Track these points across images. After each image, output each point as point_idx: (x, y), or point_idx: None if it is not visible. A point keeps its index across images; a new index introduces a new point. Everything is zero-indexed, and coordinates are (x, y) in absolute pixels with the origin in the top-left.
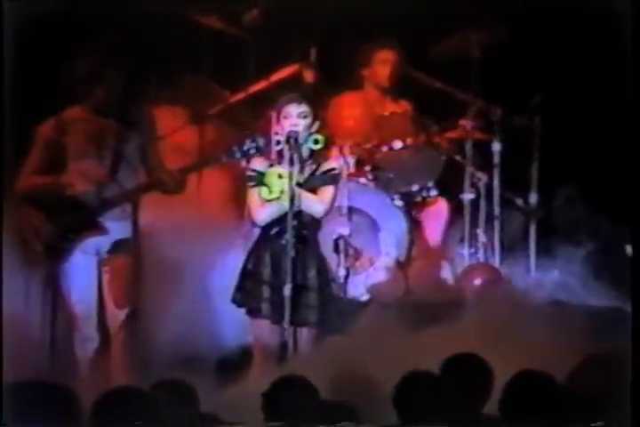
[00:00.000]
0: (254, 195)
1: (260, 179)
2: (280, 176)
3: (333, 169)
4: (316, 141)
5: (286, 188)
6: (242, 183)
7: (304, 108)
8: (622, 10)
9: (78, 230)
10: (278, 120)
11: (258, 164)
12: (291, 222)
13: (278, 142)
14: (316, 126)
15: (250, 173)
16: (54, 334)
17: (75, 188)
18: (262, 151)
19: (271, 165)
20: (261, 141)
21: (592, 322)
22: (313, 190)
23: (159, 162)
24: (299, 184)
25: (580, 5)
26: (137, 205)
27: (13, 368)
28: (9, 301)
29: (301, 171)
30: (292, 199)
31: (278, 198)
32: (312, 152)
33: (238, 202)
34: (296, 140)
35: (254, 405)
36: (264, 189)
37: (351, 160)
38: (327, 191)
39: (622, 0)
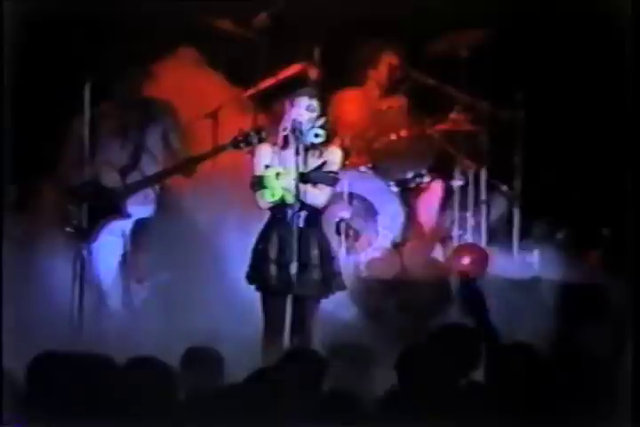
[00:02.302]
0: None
1: (260, 183)
2: (278, 174)
3: (335, 173)
4: (317, 135)
5: (288, 185)
6: None
7: (313, 102)
8: (621, 10)
9: (105, 214)
10: (289, 108)
11: (255, 167)
12: (296, 206)
13: (285, 129)
14: (321, 121)
15: (251, 180)
16: (83, 308)
17: (102, 176)
18: (265, 141)
19: (267, 167)
20: (264, 133)
21: (570, 297)
22: (313, 183)
23: (178, 149)
24: (301, 174)
25: (575, 6)
26: (160, 189)
27: (45, 339)
28: (43, 278)
29: (304, 161)
30: (297, 186)
31: (281, 199)
32: (313, 144)
33: None
34: (300, 131)
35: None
36: (267, 192)
37: (351, 150)
38: (326, 188)
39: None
